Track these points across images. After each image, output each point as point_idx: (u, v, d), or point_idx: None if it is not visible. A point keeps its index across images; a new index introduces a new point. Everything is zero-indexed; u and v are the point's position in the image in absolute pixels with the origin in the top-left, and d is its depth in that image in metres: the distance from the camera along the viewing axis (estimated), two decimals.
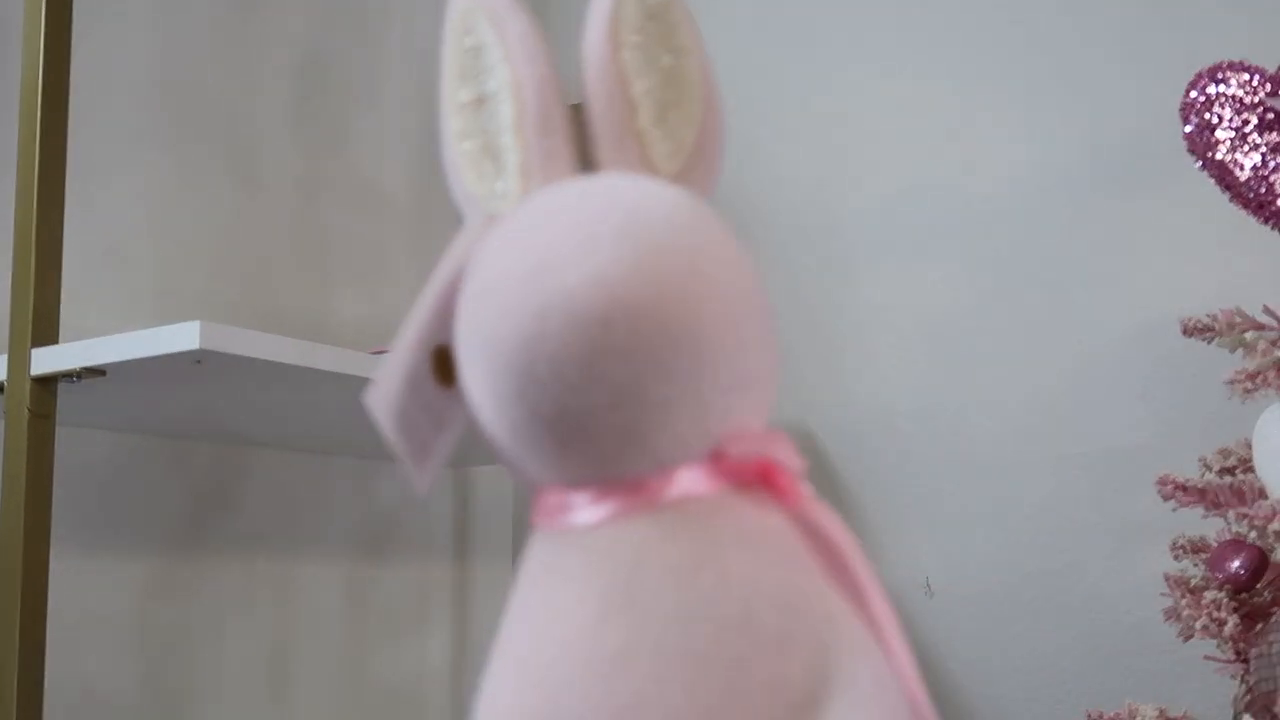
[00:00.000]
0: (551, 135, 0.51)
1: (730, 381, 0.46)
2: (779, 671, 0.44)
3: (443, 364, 0.50)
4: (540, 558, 0.49)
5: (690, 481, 0.46)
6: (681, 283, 0.44)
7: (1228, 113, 0.97)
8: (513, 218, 0.48)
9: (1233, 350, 0.99)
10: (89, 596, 1.17)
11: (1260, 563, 0.91)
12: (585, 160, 0.52)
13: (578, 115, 0.53)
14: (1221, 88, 0.98)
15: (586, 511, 0.46)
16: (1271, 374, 0.94)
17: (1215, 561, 0.93)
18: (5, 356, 0.94)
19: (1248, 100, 0.97)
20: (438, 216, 1.60)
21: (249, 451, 1.33)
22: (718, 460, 0.47)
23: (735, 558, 0.45)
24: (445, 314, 0.49)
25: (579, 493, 0.47)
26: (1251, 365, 0.95)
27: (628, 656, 0.43)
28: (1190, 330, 1.01)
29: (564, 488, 0.47)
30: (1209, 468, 1.00)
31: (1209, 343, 1.00)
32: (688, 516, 0.46)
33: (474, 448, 1.44)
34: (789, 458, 0.49)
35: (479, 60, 0.52)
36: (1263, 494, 0.94)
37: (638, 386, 0.43)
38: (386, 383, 0.49)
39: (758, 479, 0.48)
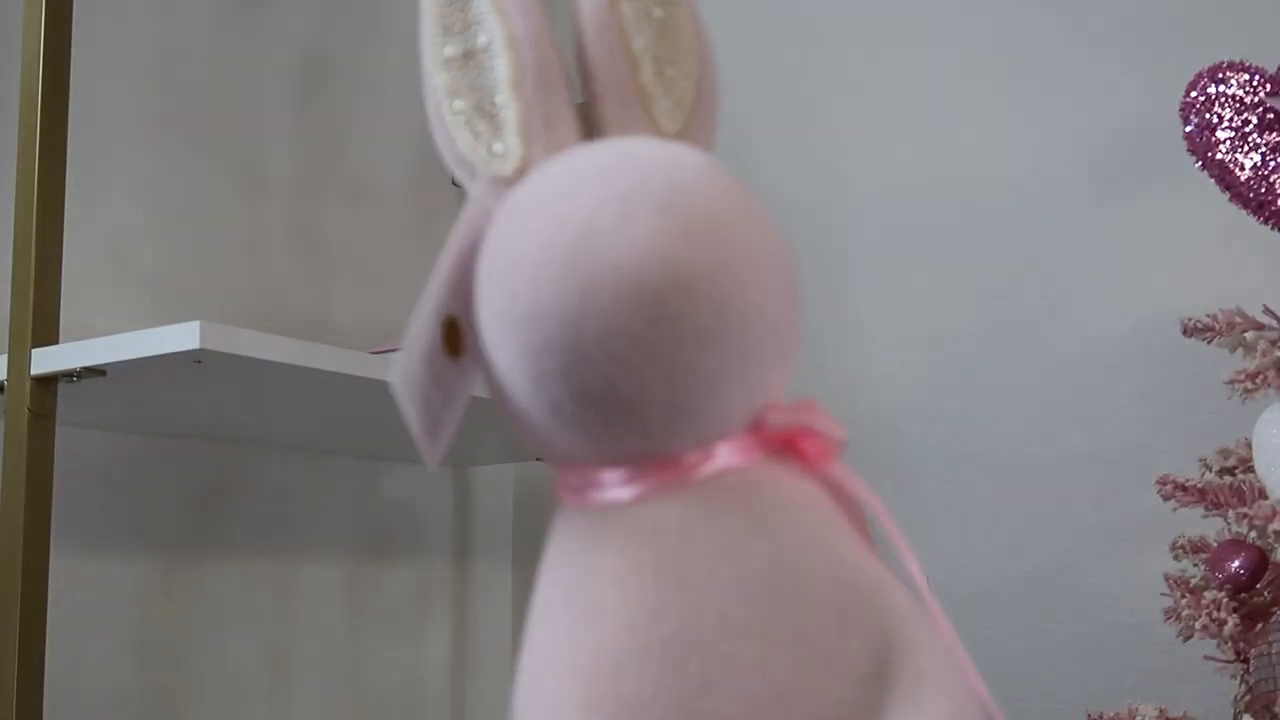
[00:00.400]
0: (553, 92, 0.49)
1: (774, 352, 0.45)
2: (842, 645, 0.43)
3: (450, 335, 0.47)
4: (573, 538, 0.46)
5: (729, 455, 0.45)
6: (728, 253, 0.43)
7: (1228, 113, 0.97)
8: (536, 183, 0.45)
9: (1233, 350, 0.99)
10: (89, 596, 1.17)
11: (1260, 563, 0.91)
12: (585, 119, 0.50)
13: (584, 114, 0.52)
14: (1222, 88, 0.98)
15: (623, 489, 0.44)
16: (1271, 374, 0.94)
17: (1215, 561, 0.93)
18: (5, 356, 0.94)
19: (1248, 100, 0.97)
20: (438, 216, 1.60)
21: (249, 451, 1.33)
22: (758, 431, 0.46)
23: (784, 531, 0.44)
24: (461, 285, 0.46)
25: (614, 469, 0.45)
26: (1251, 365, 0.95)
27: (690, 637, 0.42)
28: (1190, 330, 1.01)
29: (597, 464, 0.45)
30: (1209, 468, 1.00)
31: (1209, 343, 1.00)
32: (730, 491, 0.44)
33: (474, 448, 1.44)
34: (828, 424, 0.48)
35: (465, 13, 0.50)
36: (1263, 494, 0.94)
37: (690, 361, 0.42)
38: (408, 361, 0.47)
39: (791, 447, 0.47)
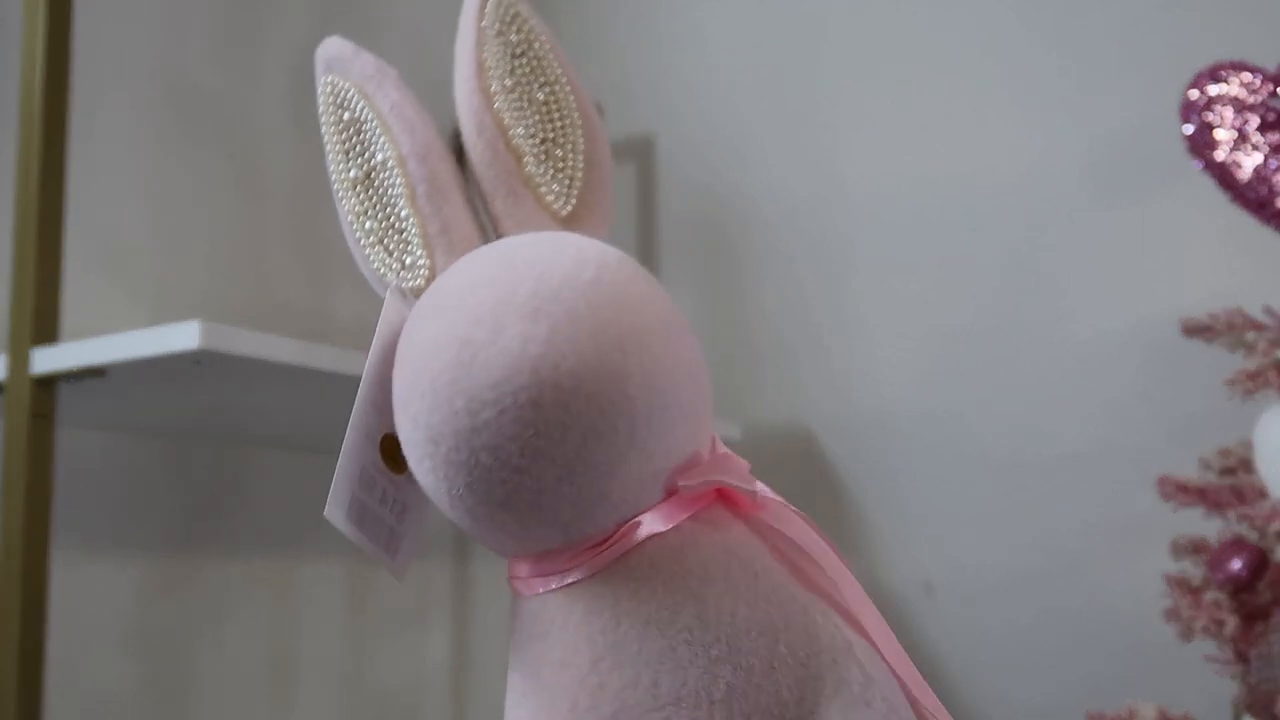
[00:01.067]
0: (444, 202, 0.50)
1: (667, 424, 0.45)
2: (771, 694, 0.44)
3: (391, 451, 0.50)
4: (525, 626, 0.48)
5: (652, 523, 0.46)
6: (600, 342, 0.43)
7: (1229, 113, 0.97)
8: (428, 298, 0.47)
9: (1233, 350, 0.99)
10: (89, 596, 1.17)
11: (1261, 563, 0.91)
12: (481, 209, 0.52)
13: (458, 142, 0.52)
14: (1222, 88, 0.98)
15: (558, 578, 0.46)
16: (1272, 374, 0.94)
17: (1216, 562, 0.93)
18: (5, 356, 0.94)
19: (1248, 100, 0.97)
20: None
21: (249, 451, 1.33)
22: (672, 497, 0.46)
23: (708, 590, 0.45)
24: (382, 403, 0.49)
25: (549, 559, 0.46)
26: (1252, 365, 0.95)
27: (629, 713, 0.44)
28: (1191, 330, 1.01)
29: (533, 556, 0.47)
30: (1209, 468, 1.00)
31: (1210, 343, 1.00)
32: (654, 560, 0.45)
33: None
34: (738, 473, 0.48)
35: (361, 135, 0.51)
36: (1263, 494, 0.94)
37: (581, 455, 0.43)
38: (340, 488, 0.48)
39: (721, 496, 0.48)
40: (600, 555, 0.45)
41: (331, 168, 0.51)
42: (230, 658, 1.29)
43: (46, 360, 0.91)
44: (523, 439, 0.43)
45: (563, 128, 0.52)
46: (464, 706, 1.56)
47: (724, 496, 0.48)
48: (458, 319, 0.44)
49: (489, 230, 0.51)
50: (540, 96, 0.52)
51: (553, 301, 0.44)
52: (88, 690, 1.16)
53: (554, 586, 0.46)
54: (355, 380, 0.98)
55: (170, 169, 1.29)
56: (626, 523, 0.45)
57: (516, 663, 0.48)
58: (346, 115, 0.51)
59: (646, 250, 1.60)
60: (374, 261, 0.50)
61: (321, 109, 0.51)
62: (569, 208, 0.51)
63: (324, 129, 0.51)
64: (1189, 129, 0.99)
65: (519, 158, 0.52)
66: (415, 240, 0.49)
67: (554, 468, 0.43)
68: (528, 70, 0.53)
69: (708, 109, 1.58)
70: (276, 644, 1.34)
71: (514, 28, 0.54)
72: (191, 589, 1.26)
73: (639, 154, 1.63)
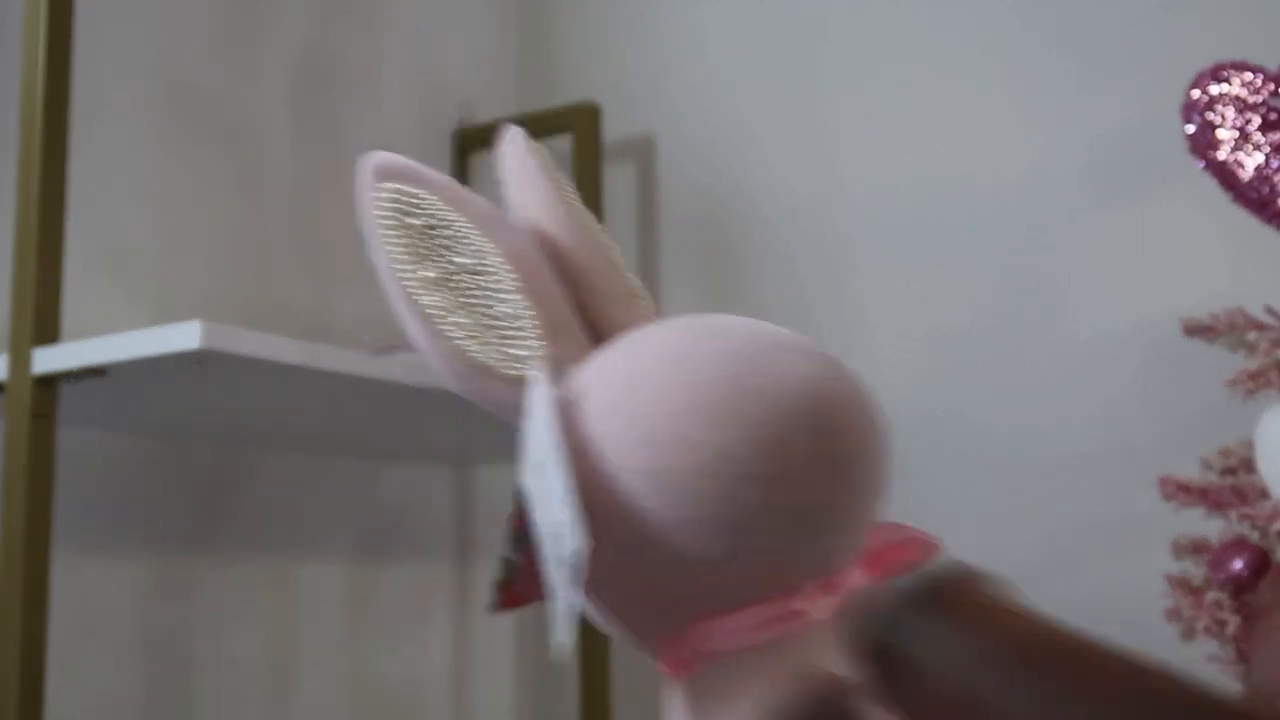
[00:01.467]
0: (555, 299, 0.53)
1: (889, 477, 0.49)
2: None
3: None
4: (721, 694, 0.48)
5: (857, 577, 0.49)
6: (865, 390, 0.49)
7: (1230, 112, 0.97)
8: (648, 356, 0.49)
9: (1234, 350, 0.99)
10: (90, 596, 1.17)
11: (1262, 563, 0.91)
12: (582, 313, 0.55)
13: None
14: (1224, 87, 0.98)
15: (735, 636, 0.47)
16: (1273, 374, 0.94)
17: (1217, 562, 0.93)
18: (6, 356, 0.94)
19: (1250, 100, 0.97)
20: None
21: (250, 451, 1.33)
22: (875, 557, 0.50)
23: None
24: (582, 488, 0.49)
25: (779, 602, 0.47)
26: (1253, 365, 0.95)
27: None
28: (1192, 330, 1.01)
29: (768, 597, 0.47)
30: (1210, 468, 1.00)
31: (1211, 343, 1.00)
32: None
33: (475, 447, 1.44)
34: (923, 535, 0.52)
35: (432, 239, 0.53)
36: (1264, 494, 0.94)
37: (863, 487, 0.47)
38: (568, 618, 0.49)
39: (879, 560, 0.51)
40: (835, 594, 0.48)
41: (396, 268, 0.53)
42: (231, 657, 1.29)
43: (47, 360, 0.91)
44: (822, 448, 0.45)
45: (618, 259, 0.57)
46: (464, 706, 1.56)
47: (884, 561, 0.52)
48: (714, 361, 0.47)
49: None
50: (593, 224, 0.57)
51: (798, 341, 0.48)
52: (89, 690, 1.16)
53: (794, 629, 0.47)
54: (356, 380, 0.98)
55: (171, 169, 1.29)
56: (843, 568, 0.48)
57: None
58: (416, 221, 0.54)
59: (646, 250, 1.61)
60: (470, 352, 0.52)
61: (378, 214, 0.54)
62: (654, 311, 0.56)
63: (380, 232, 0.54)
64: (1190, 128, 0.99)
65: (619, 269, 0.56)
66: (528, 332, 0.52)
67: (847, 482, 0.46)
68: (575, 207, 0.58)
69: (708, 109, 1.58)
70: (277, 644, 1.34)
71: (552, 170, 0.58)
72: (192, 589, 1.26)
73: (639, 154, 1.63)
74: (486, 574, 1.61)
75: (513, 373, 0.52)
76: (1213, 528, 0.99)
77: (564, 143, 1.59)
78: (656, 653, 0.50)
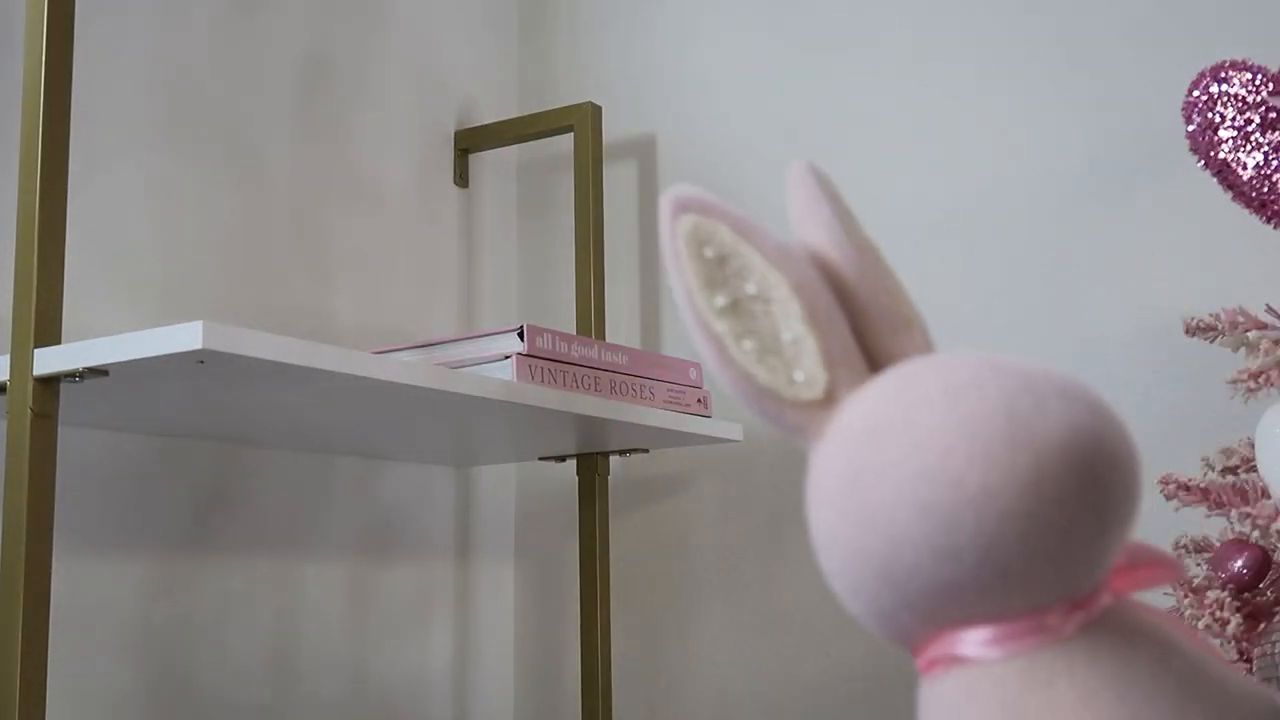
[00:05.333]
0: (841, 325, 0.57)
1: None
2: None
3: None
4: (1005, 686, 0.51)
5: (1106, 594, 0.52)
6: (1119, 426, 0.51)
7: (1230, 112, 0.97)
8: (910, 394, 0.52)
9: (1235, 350, 0.99)
10: (91, 596, 1.17)
11: (1263, 562, 0.91)
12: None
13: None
14: (1224, 87, 0.98)
15: (1052, 633, 0.51)
16: (1274, 373, 0.94)
17: (1218, 561, 0.94)
18: (8, 356, 0.94)
19: (1250, 99, 0.97)
20: (439, 216, 1.60)
21: (251, 451, 1.33)
22: (1122, 575, 0.53)
23: (1179, 648, 0.52)
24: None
25: (1035, 617, 0.51)
26: (1254, 364, 0.95)
27: None
28: (1193, 330, 1.01)
29: (1009, 618, 0.51)
30: (1212, 467, 1.00)
31: (1212, 342, 1.00)
32: (1123, 619, 0.52)
33: (476, 448, 1.44)
34: (1166, 557, 0.56)
35: (725, 268, 0.57)
36: (1265, 493, 0.94)
37: (1115, 519, 0.50)
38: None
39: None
40: (1087, 611, 0.51)
41: (694, 297, 0.57)
42: (232, 657, 1.29)
43: (49, 360, 0.91)
44: (1083, 494, 0.49)
45: (896, 282, 0.61)
46: (466, 706, 1.56)
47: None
48: (991, 397, 0.50)
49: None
50: (870, 257, 0.61)
51: (1073, 387, 0.51)
52: (90, 689, 1.16)
53: (1041, 643, 0.50)
54: (358, 380, 0.98)
55: (171, 169, 1.29)
56: (1100, 587, 0.52)
57: (1006, 718, 0.51)
58: (710, 251, 0.57)
59: (647, 250, 1.61)
60: (758, 377, 0.56)
61: (676, 244, 0.58)
62: (925, 347, 0.60)
63: (678, 262, 0.58)
64: (1191, 128, 0.99)
65: (896, 296, 0.60)
66: (810, 358, 0.56)
67: (1103, 524, 0.50)
68: (856, 235, 0.62)
69: (708, 109, 1.58)
70: (279, 643, 1.34)
71: (837, 198, 0.62)
72: (194, 588, 1.26)
73: (639, 154, 1.63)
74: (488, 574, 1.62)
75: (795, 396, 0.56)
76: (1214, 527, 1.00)
77: (564, 143, 1.59)
78: (911, 651, 0.54)
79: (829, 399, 0.55)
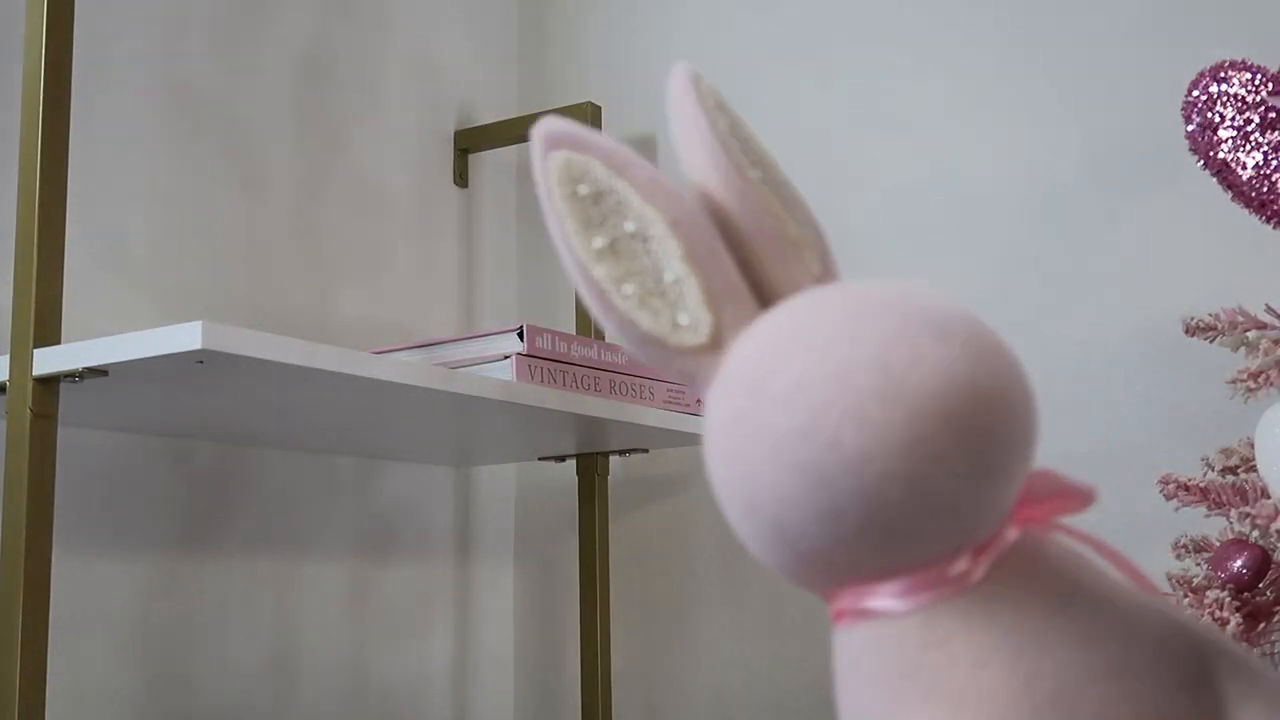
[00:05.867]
0: (722, 263, 0.53)
1: (1040, 434, 0.50)
2: (1173, 665, 0.49)
3: None
4: (907, 640, 0.49)
5: (1011, 533, 0.50)
6: (1008, 365, 0.49)
7: (1230, 112, 0.97)
8: (781, 337, 0.49)
9: (1235, 349, 0.99)
10: (91, 596, 1.17)
11: (1263, 562, 0.91)
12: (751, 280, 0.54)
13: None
14: (1224, 87, 0.98)
15: (954, 584, 0.49)
16: (1274, 373, 0.94)
17: (1218, 561, 0.93)
18: (7, 356, 0.94)
19: (1250, 99, 0.97)
20: (439, 216, 1.60)
21: (251, 451, 1.33)
22: (1024, 501, 0.51)
23: (1086, 579, 0.51)
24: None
25: (936, 567, 0.49)
26: (1254, 364, 0.95)
27: (1068, 690, 0.47)
28: (1192, 329, 1.01)
29: (913, 569, 0.49)
30: (1211, 467, 1.00)
31: (1211, 342, 1.00)
32: (1032, 557, 0.50)
33: (476, 448, 1.44)
34: (1075, 485, 0.53)
35: (600, 206, 0.53)
36: (1265, 493, 0.94)
37: (1006, 463, 0.47)
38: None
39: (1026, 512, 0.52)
40: (989, 555, 0.49)
41: (569, 240, 0.53)
42: (232, 657, 1.29)
43: (48, 360, 0.91)
44: (964, 447, 0.46)
45: (787, 198, 0.57)
46: (465, 706, 1.56)
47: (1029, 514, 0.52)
48: (864, 346, 0.47)
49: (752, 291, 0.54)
50: (756, 175, 0.56)
51: (953, 324, 0.48)
52: (90, 689, 1.16)
53: (947, 593, 0.49)
54: (357, 380, 0.98)
55: (171, 169, 1.29)
56: (1002, 527, 0.50)
57: (903, 675, 0.49)
58: (584, 189, 0.54)
59: None
60: (640, 323, 0.52)
61: (548, 184, 0.54)
62: (819, 268, 0.56)
63: (551, 203, 0.53)
64: (1190, 128, 0.99)
65: (782, 222, 0.55)
66: (694, 299, 0.52)
67: (988, 473, 0.47)
68: (745, 148, 0.57)
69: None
70: (278, 643, 1.34)
71: (722, 112, 0.57)
72: (193, 588, 1.26)
73: (639, 154, 1.63)
74: (488, 574, 1.62)
75: (680, 342, 0.52)
76: (1214, 527, 0.99)
77: None
78: (823, 599, 0.52)
79: (715, 343, 0.52)
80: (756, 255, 0.54)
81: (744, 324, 0.52)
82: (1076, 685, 0.47)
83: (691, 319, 0.52)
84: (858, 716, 0.51)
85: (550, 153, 0.54)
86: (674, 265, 0.52)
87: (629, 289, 0.52)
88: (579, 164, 0.54)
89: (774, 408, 0.47)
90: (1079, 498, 0.53)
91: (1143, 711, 0.48)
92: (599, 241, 0.53)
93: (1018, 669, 0.47)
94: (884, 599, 0.49)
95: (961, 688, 0.47)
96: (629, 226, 0.53)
